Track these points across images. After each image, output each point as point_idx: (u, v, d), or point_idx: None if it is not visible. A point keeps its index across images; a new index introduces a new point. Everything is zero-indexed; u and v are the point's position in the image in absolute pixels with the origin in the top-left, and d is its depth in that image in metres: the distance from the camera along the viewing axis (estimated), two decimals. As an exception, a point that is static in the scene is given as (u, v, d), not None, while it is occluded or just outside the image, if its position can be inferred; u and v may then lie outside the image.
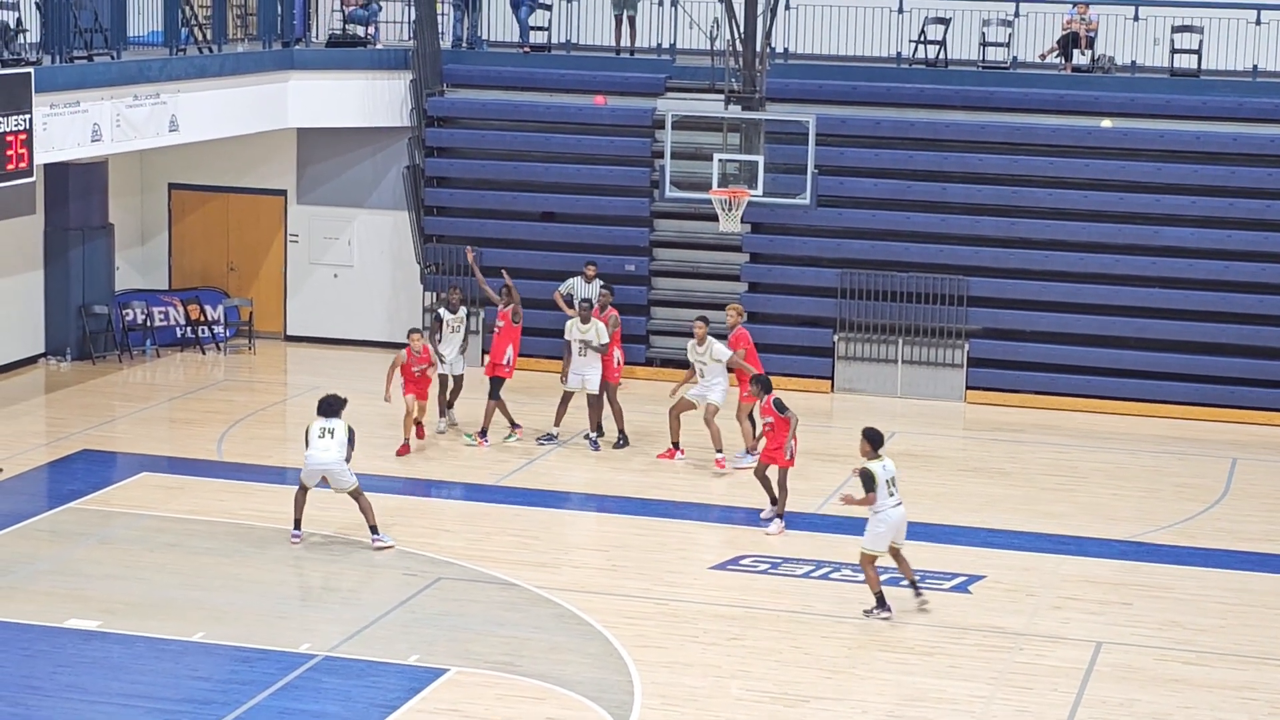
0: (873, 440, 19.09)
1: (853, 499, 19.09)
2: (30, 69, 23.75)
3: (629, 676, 17.47)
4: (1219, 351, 28.05)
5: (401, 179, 30.85)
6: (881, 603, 19.14)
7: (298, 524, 21.11)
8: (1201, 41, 29.49)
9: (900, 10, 30.10)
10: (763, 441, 22.16)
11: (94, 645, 17.95)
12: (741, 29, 27.18)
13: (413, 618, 18.93)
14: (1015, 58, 30.17)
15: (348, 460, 20.74)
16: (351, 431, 20.86)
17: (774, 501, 21.95)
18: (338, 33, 31.17)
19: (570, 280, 27.62)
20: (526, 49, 31.58)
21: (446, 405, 25.99)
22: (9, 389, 28.08)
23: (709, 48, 29.33)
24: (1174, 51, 29.69)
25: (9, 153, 23.14)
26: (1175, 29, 29.71)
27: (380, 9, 31.39)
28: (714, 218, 26.75)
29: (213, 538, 21.28)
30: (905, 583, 19.42)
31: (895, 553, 19.23)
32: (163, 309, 31.12)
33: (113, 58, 26.07)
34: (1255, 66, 29.17)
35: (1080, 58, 30.01)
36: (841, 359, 29.08)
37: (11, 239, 29.08)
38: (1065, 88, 29.39)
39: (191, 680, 17.17)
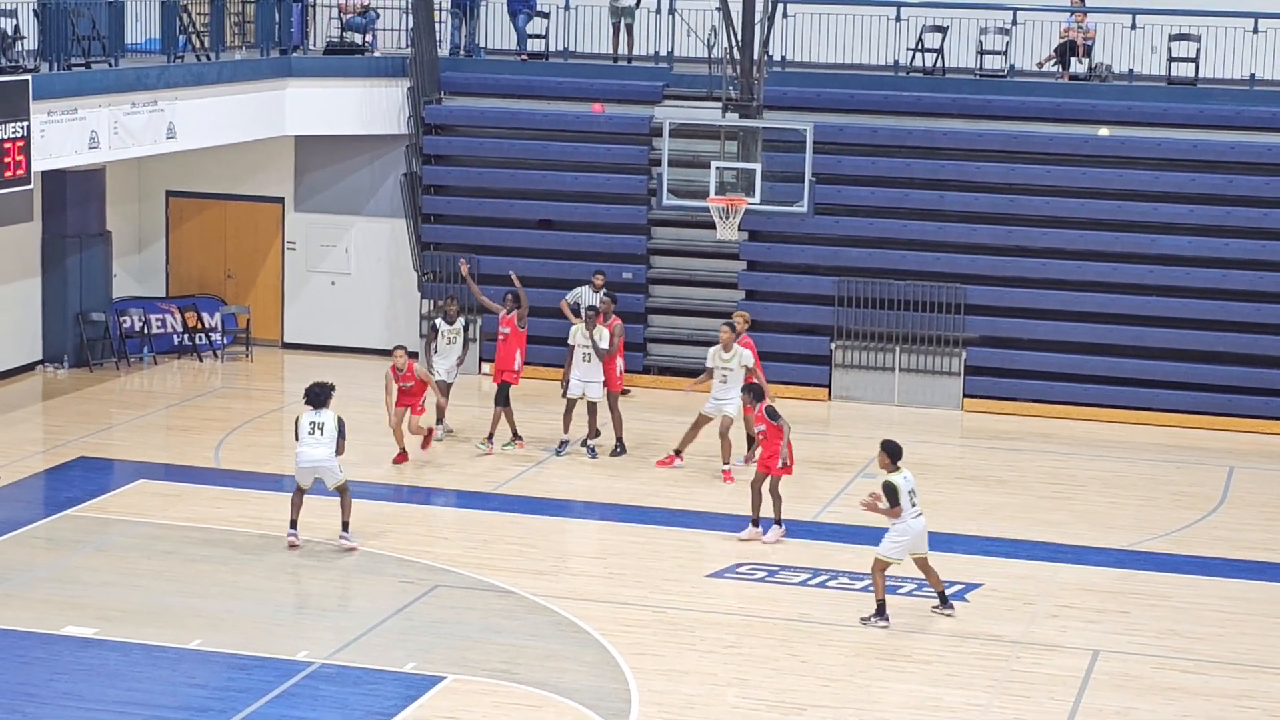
0: (891, 453, 19.12)
1: (877, 507, 19.09)
2: (28, 76, 23.77)
3: (626, 684, 17.47)
4: (1216, 360, 28.05)
5: (399, 186, 30.86)
6: (881, 612, 19.14)
7: (294, 523, 21.14)
8: (1199, 50, 29.50)
9: (898, 19, 30.12)
10: (757, 450, 22.12)
11: (91, 653, 17.93)
12: (739, 37, 27.17)
13: (410, 625, 18.92)
14: (1013, 66, 30.18)
15: (340, 452, 20.83)
16: (341, 423, 20.91)
17: (755, 522, 21.86)
18: (335, 40, 31.18)
19: (578, 289, 27.70)
20: (524, 57, 31.59)
21: (439, 414, 25.92)
22: (6, 396, 28.08)
23: (706, 55, 29.31)
24: (1171, 60, 29.71)
25: (6, 160, 23.15)
26: (1173, 37, 29.72)
27: (378, 16, 31.41)
28: (711, 225, 26.74)
29: (210, 545, 21.27)
30: (928, 591, 19.42)
31: (922, 563, 19.26)
32: (160, 316, 31.12)
33: (110, 65, 26.09)
34: (1253, 75, 29.18)
35: (1078, 66, 30.03)
36: (839, 367, 29.10)
37: (9, 246, 29.07)
38: (1063, 96, 29.43)
39: (189, 688, 17.16)
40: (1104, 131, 28.84)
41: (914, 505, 19.05)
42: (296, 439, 20.92)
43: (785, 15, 29.64)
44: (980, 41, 30.31)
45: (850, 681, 17.73)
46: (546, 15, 31.68)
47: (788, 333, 29.32)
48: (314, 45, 31.64)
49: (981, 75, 30.16)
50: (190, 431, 26.54)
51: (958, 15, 30.46)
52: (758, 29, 27.21)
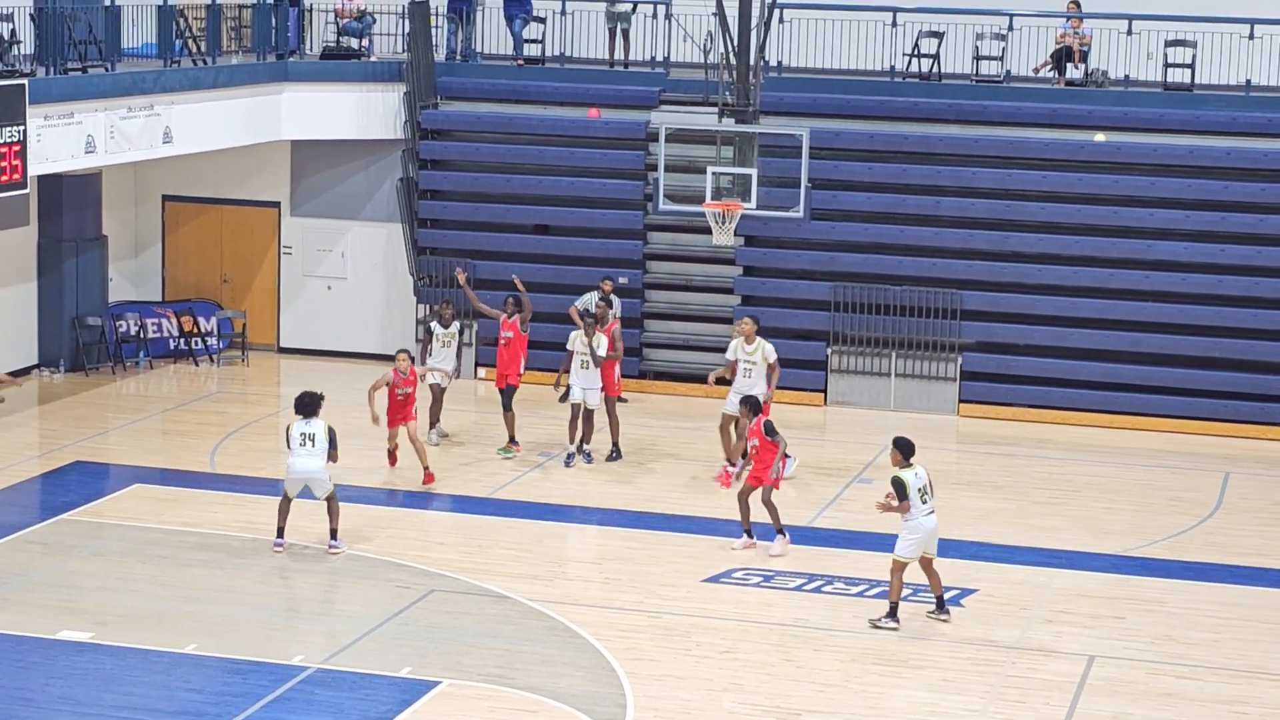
0: (904, 449, 19.15)
1: (891, 506, 19.10)
2: (24, 80, 23.78)
3: (621, 689, 17.46)
4: (1212, 366, 28.06)
5: (395, 191, 30.86)
6: (893, 613, 19.13)
7: (280, 532, 21.14)
8: (1195, 56, 29.53)
9: (894, 24, 30.12)
10: (747, 468, 21.93)
11: (86, 657, 17.92)
12: (735, 42, 27.19)
13: (405, 630, 18.91)
14: (1009, 72, 30.19)
15: (333, 460, 20.84)
16: (332, 432, 20.92)
17: (748, 532, 21.83)
18: (331, 45, 31.17)
19: (587, 295, 27.70)
20: (520, 62, 31.59)
21: (434, 419, 25.89)
22: (2, 400, 28.10)
23: (703, 61, 29.35)
24: (1167, 66, 29.72)
25: (2, 164, 23.17)
26: (1169, 43, 29.75)
27: (374, 21, 31.40)
28: (707, 231, 26.74)
29: (205, 550, 21.26)
30: (925, 596, 19.42)
31: (927, 564, 19.26)
32: (156, 321, 31.11)
33: (107, 70, 26.09)
34: (1249, 81, 29.19)
35: (1074, 72, 30.04)
36: (835, 372, 29.11)
37: (5, 251, 29.07)
38: (1059, 102, 29.44)
39: (184, 692, 17.15)
40: (1100, 137, 28.85)
41: (925, 503, 19.01)
42: (288, 447, 20.91)
43: (781, 20, 29.64)
44: (976, 47, 30.32)
45: (846, 687, 17.73)
46: (543, 20, 31.69)
47: (784, 338, 29.15)
48: (310, 50, 31.64)
49: (977, 81, 30.17)
50: (186, 436, 26.53)
51: (954, 21, 30.46)
52: (754, 34, 27.23)
